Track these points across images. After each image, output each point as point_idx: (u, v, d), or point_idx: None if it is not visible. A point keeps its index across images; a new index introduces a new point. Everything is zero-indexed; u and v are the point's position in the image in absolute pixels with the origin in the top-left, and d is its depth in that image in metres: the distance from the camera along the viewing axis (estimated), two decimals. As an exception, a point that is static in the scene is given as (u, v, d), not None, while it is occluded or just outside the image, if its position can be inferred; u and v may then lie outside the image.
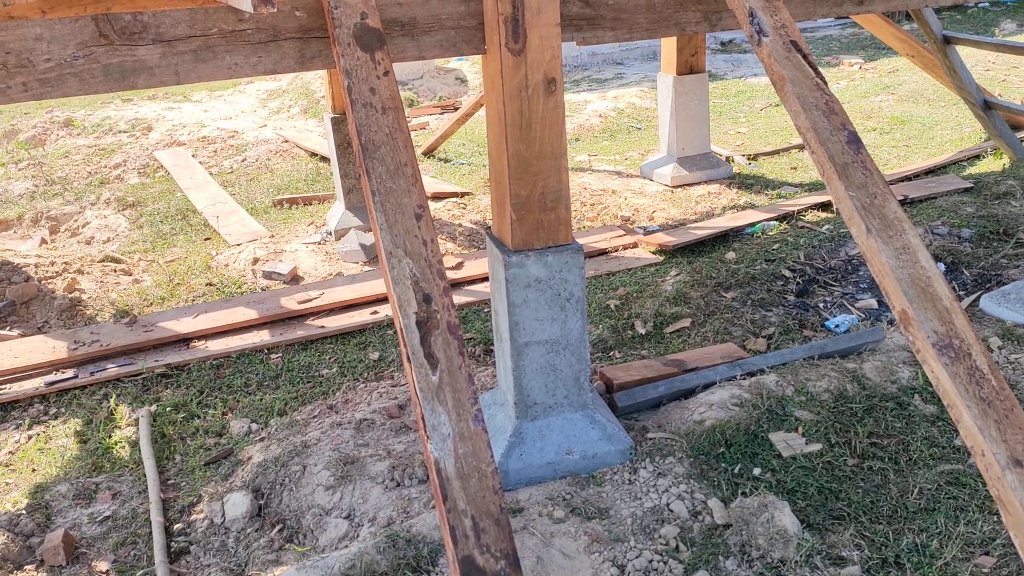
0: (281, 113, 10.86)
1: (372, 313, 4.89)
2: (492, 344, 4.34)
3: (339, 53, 2.49)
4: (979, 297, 4.19)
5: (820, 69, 8.54)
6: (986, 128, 6.13)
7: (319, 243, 5.98)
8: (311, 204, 7.09)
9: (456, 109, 10.22)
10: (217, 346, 4.59)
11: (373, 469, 3.23)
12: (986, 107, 5.95)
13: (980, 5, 13.85)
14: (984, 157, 6.37)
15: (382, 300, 5.01)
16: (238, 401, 4.09)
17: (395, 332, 4.66)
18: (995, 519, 2.75)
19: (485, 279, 5.15)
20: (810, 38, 12.70)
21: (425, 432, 2.05)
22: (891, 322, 4.09)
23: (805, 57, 2.52)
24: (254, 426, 3.84)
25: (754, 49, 2.61)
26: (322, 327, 4.77)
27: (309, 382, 4.23)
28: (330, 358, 4.47)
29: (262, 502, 3.24)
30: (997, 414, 1.85)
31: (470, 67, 11.80)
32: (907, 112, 8.07)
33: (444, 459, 2.02)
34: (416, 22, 2.81)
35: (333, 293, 5.06)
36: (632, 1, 3.01)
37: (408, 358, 2.13)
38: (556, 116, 2.89)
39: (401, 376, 4.19)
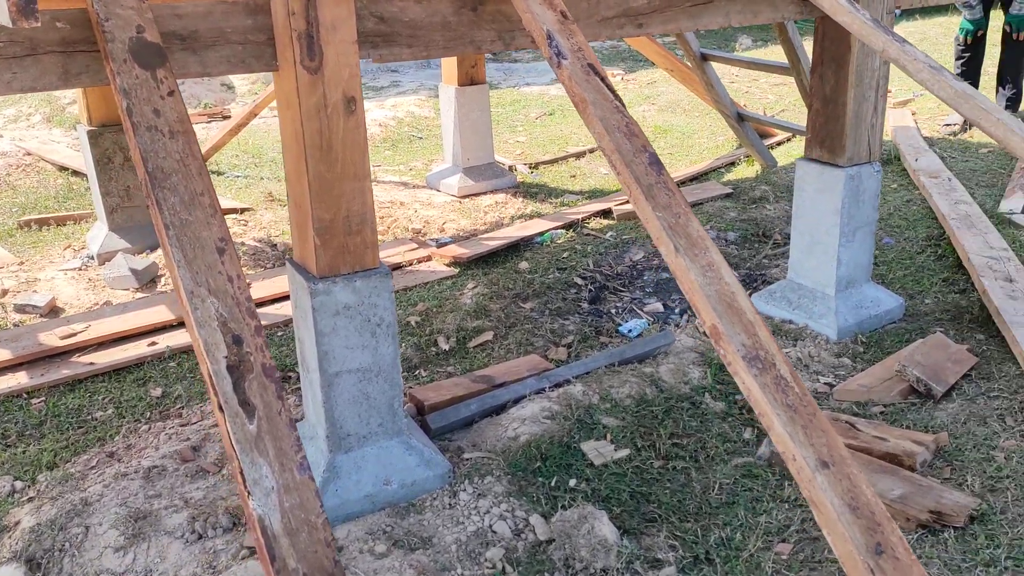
0: (20, 121, 9.74)
1: (150, 345, 4.49)
2: (290, 371, 4.12)
3: (114, 70, 2.24)
4: (750, 296, 4.54)
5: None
6: (740, 138, 6.70)
7: (80, 269, 5.42)
8: (65, 225, 6.41)
9: (225, 117, 9.68)
10: (-36, 395, 4.01)
11: (170, 522, 2.95)
12: (739, 119, 6.50)
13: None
14: (738, 164, 6.95)
15: (160, 330, 4.62)
16: (-4, 457, 3.59)
17: (178, 364, 4.31)
18: (787, 507, 2.98)
19: (275, 300, 4.89)
20: (574, 49, 13.28)
21: (245, 487, 1.88)
22: (677, 325, 4.34)
23: (603, 80, 2.59)
24: (19, 484, 3.38)
25: (554, 71, 2.64)
26: (91, 364, 4.31)
27: (81, 428, 3.80)
28: (104, 398, 4.04)
29: (40, 574, 2.85)
30: (803, 419, 1.99)
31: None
32: (668, 122, 8.66)
33: (269, 515, 1.86)
34: (198, 36, 2.59)
35: (102, 325, 4.59)
36: (428, 19, 2.96)
37: (220, 407, 1.95)
38: (358, 136, 2.78)
39: (191, 414, 3.87)
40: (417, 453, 3.06)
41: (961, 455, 3.16)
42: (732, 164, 6.99)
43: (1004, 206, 5.61)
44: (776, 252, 5.15)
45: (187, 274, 2.05)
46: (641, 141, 2.47)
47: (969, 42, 7.32)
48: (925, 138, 7.21)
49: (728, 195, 6.11)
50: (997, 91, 7.72)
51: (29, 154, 8.29)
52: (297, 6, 2.57)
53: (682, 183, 6.53)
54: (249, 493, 1.88)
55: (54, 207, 6.82)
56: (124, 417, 3.88)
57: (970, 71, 7.54)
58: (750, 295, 4.52)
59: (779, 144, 7.39)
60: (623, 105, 2.56)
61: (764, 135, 7.40)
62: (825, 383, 3.76)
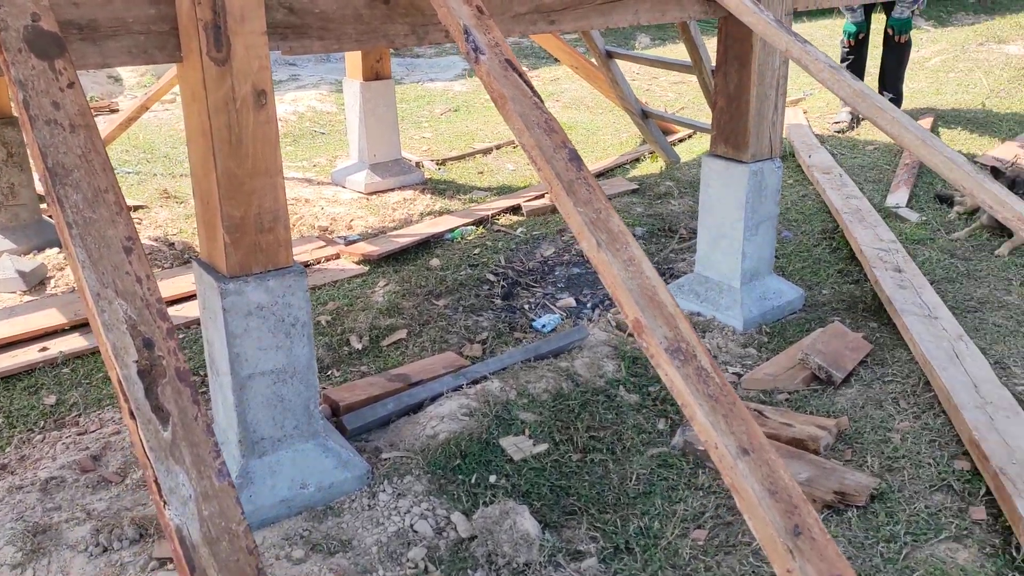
0: None
1: (41, 350, 4.25)
2: (194, 374, 3.97)
3: (8, 60, 2.10)
4: (659, 289, 4.64)
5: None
6: (644, 135, 6.83)
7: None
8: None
9: (113, 111, 9.27)
10: None
11: (72, 535, 2.80)
12: (644, 116, 6.63)
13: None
14: (643, 160, 7.09)
15: (52, 334, 4.38)
16: None
17: (72, 371, 4.10)
18: (701, 495, 3.06)
19: (177, 301, 4.71)
20: (477, 45, 13.28)
21: (161, 497, 1.80)
22: (590, 319, 4.40)
23: (521, 75, 2.59)
24: (-100, 504, 3.16)
25: (472, 66, 2.63)
26: (-23, 372, 4.05)
27: (-31, 440, 3.58)
28: (-7, 408, 3.81)
29: (-73, 599, 2.67)
30: (724, 408, 2.04)
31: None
32: (572, 118, 8.75)
33: (187, 525, 1.78)
34: (97, 25, 2.46)
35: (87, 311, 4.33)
36: (340, 11, 2.90)
37: (132, 414, 1.86)
38: (269, 131, 2.70)
39: (89, 422, 3.69)
40: (334, 455, 3.00)
41: (861, 437, 3.31)
42: (637, 160, 7.13)
43: (891, 200, 5.91)
44: (682, 247, 5.28)
45: (92, 275, 1.95)
46: (561, 137, 2.48)
47: (852, 44, 7.66)
48: (816, 135, 7.52)
49: (634, 191, 6.22)
50: (879, 93, 8.13)
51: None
52: (203, -5, 2.47)
53: (589, 179, 6.61)
54: (165, 503, 1.80)
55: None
56: (15, 427, 3.67)
57: (855, 72, 7.90)
58: (659, 289, 4.62)
59: (681, 141, 7.58)
60: (542, 101, 2.56)
61: (667, 132, 7.57)
62: (733, 373, 3.87)
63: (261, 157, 2.70)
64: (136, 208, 6.23)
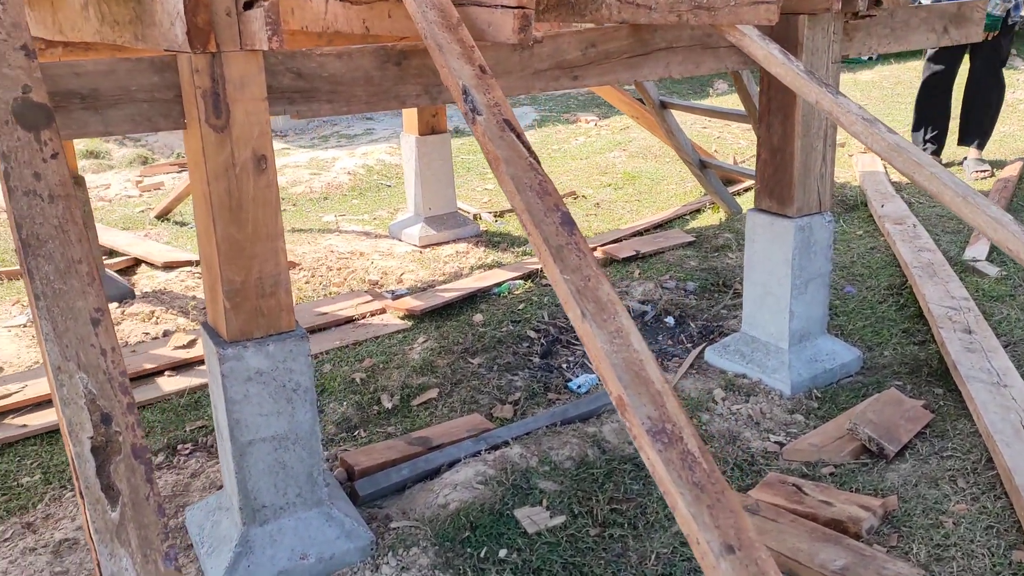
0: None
1: (88, 404, 4.34)
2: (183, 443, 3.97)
3: (-6, 132, 2.14)
4: (704, 349, 4.43)
5: (560, 126, 8.80)
6: (703, 185, 6.64)
7: (25, 326, 5.28)
8: (18, 279, 6.29)
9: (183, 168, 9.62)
10: None
11: (73, 602, 2.79)
12: (702, 166, 6.45)
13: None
14: (704, 211, 6.89)
15: (100, 388, 4.46)
16: (-92, 529, 3.42)
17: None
18: (725, 578, 2.83)
19: (220, 357, 4.74)
20: (551, 96, 13.34)
21: (103, 582, 1.74)
22: (628, 380, 4.22)
23: (519, 136, 2.50)
24: (-73, 559, 3.22)
25: (469, 127, 2.56)
26: (24, 425, 4.15)
27: (4, 495, 3.64)
28: (32, 463, 3.89)
29: (-73, 661, 2.68)
30: (710, 498, 1.86)
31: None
32: (638, 168, 8.62)
33: (127, 612, 1.72)
34: (99, 94, 2.50)
35: (39, 384, 4.45)
36: (349, 74, 2.88)
37: (81, 493, 1.82)
38: (269, 195, 2.68)
39: (118, 479, 3.71)
40: (338, 524, 2.91)
41: (909, 520, 3.02)
42: (697, 211, 6.93)
43: (969, 253, 5.54)
44: (735, 302, 5.05)
45: (55, 348, 1.93)
46: (554, 200, 2.37)
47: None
48: (894, 183, 7.17)
49: (690, 243, 6.03)
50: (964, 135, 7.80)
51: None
52: (201, 63, 2.49)
53: (645, 231, 6.46)
54: (107, 588, 1.74)
55: (10, 260, 6.70)
56: (50, 483, 3.72)
57: (941, 106, 7.68)
58: (704, 347, 4.41)
59: (746, 191, 7.34)
60: (538, 162, 2.46)
61: (731, 182, 7.35)
62: (775, 442, 3.63)
63: (262, 222, 2.68)
64: (198, 263, 6.38)
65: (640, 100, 6.52)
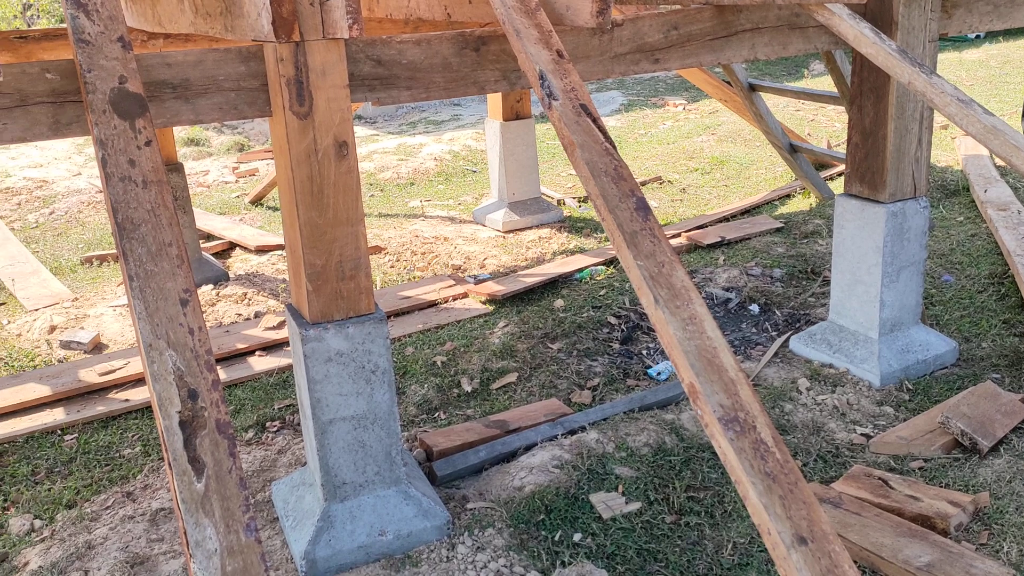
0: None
1: (184, 381, 4.54)
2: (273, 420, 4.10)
3: (93, 121, 2.25)
4: (789, 338, 4.33)
5: (648, 110, 8.72)
6: (793, 170, 6.46)
7: (127, 306, 5.54)
8: (124, 261, 6.60)
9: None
10: (1, 429, 4.12)
11: (166, 568, 2.93)
12: (792, 150, 6.27)
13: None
14: (794, 196, 6.71)
15: (196, 366, 4.66)
16: (21, 494, 3.66)
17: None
18: (804, 571, 2.77)
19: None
20: (638, 79, 13.18)
21: (188, 550, 1.83)
22: (709, 367, 4.16)
23: (595, 121, 2.49)
24: (37, 523, 3.43)
25: (546, 112, 2.56)
26: (126, 400, 4.38)
27: (107, 465, 3.85)
28: (133, 435, 4.10)
29: (36, 618, 2.87)
30: (782, 489, 1.82)
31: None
32: (726, 152, 8.44)
33: (210, 579, 1.80)
34: (190, 84, 2.60)
35: (139, 362, 4.67)
36: (428, 60, 2.92)
37: (170, 464, 1.91)
38: (350, 181, 2.75)
39: (211, 453, 3.88)
40: (415, 503, 2.97)
41: (1001, 518, 2.89)
42: (788, 196, 6.75)
43: (1079, 240, 5.23)
44: (823, 290, 4.91)
45: (147, 327, 2.03)
46: (629, 185, 2.35)
47: None
48: (999, 167, 6.83)
49: (778, 229, 5.88)
50: None
51: (101, 191, 8.64)
52: (286, 52, 2.56)
53: (732, 217, 6.33)
54: (192, 556, 1.82)
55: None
56: (149, 455, 3.92)
57: None
58: (790, 336, 4.31)
59: (840, 175, 7.10)
60: (614, 147, 2.45)
61: (824, 166, 7.13)
62: (862, 434, 3.52)
63: (343, 206, 2.74)
64: (282, 247, 6.57)
65: (728, 82, 6.38)
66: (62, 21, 14.31)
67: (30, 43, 4.99)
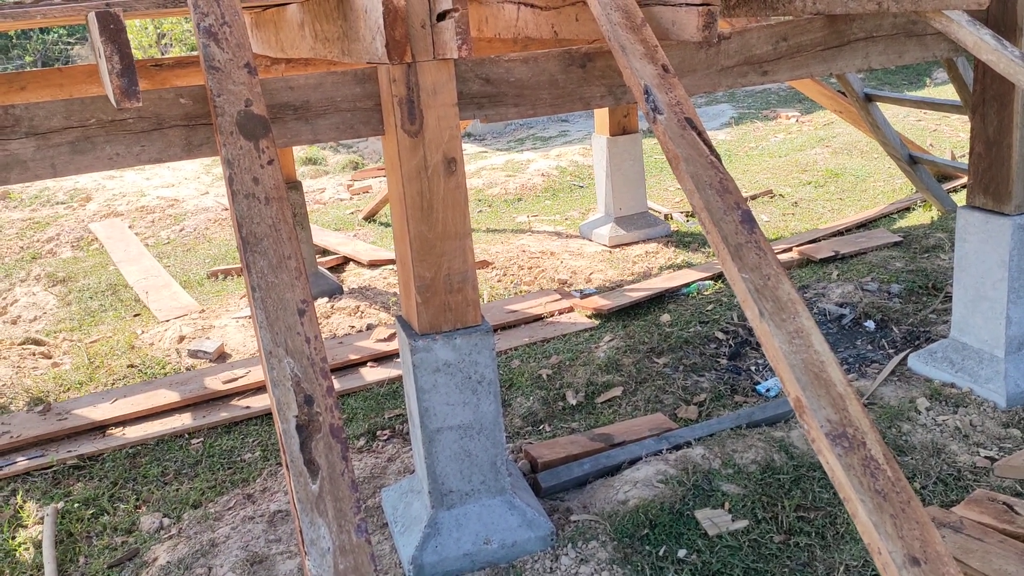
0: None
1: (301, 390, 4.74)
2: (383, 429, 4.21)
3: (221, 142, 2.41)
4: (907, 356, 4.16)
5: (759, 123, 8.57)
6: (913, 182, 6.22)
7: (250, 317, 5.84)
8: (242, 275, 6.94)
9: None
10: (135, 433, 4.41)
11: (283, 568, 3.07)
12: (912, 161, 6.04)
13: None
14: (914, 209, 6.45)
15: (311, 376, 4.86)
16: (152, 493, 3.90)
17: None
18: (921, 597, 2.66)
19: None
20: (749, 92, 12.95)
21: (303, 547, 1.92)
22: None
23: (700, 134, 2.49)
24: (166, 521, 3.65)
25: (651, 126, 2.57)
26: (247, 407, 4.61)
27: (229, 468, 4.06)
28: (253, 441, 4.30)
29: (164, 609, 3.06)
30: (893, 508, 1.77)
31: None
32: (841, 165, 8.19)
33: (323, 576, 1.89)
34: (310, 105, 2.75)
35: (259, 371, 4.91)
36: (535, 78, 2.98)
37: (287, 466, 2.01)
38: (458, 196, 2.83)
39: (325, 459, 4.03)
40: (520, 513, 3.01)
41: None
42: (907, 209, 6.49)
43: None
44: (945, 307, 4.70)
45: (268, 335, 2.15)
46: (735, 198, 2.34)
47: None
48: None
49: (897, 243, 5.67)
50: None
51: (226, 209, 9.12)
52: (398, 73, 2.67)
53: (847, 231, 6.14)
54: (306, 553, 1.92)
55: (238, 259, 7.42)
56: (268, 460, 4.11)
57: None
58: (908, 354, 4.15)
59: (963, 187, 6.78)
60: (719, 160, 2.44)
61: (946, 177, 6.83)
62: (986, 456, 3.35)
63: (451, 221, 2.83)
64: (394, 261, 6.77)
65: (842, 93, 6.21)
66: (192, 49, 15.22)
67: (164, 71, 5.35)
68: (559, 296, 5.59)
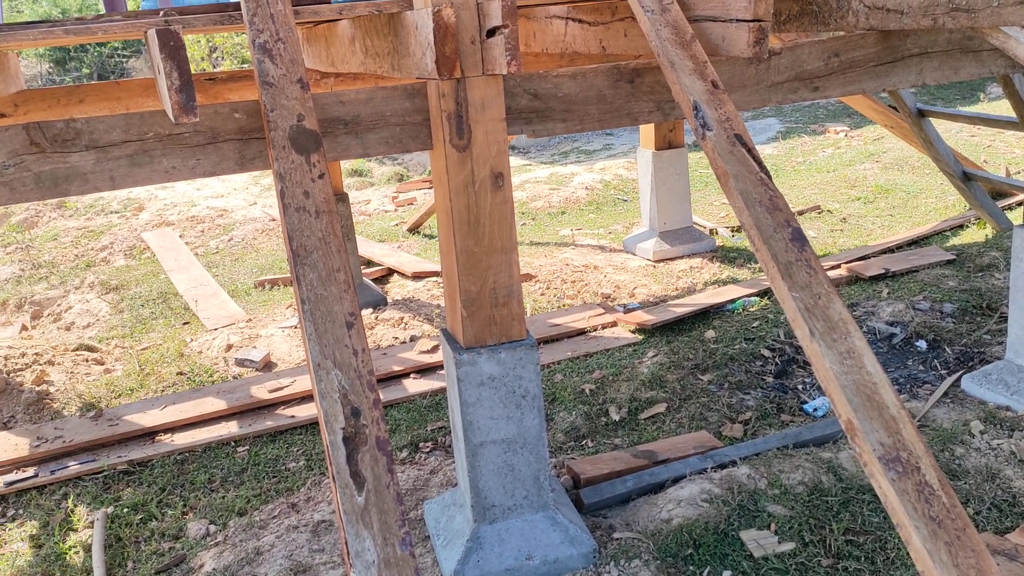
0: (273, 190, 10.92)
1: (345, 400, 4.78)
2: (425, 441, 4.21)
3: (273, 156, 2.45)
4: (961, 377, 4.07)
5: (807, 137, 8.50)
6: (967, 199, 6.09)
7: (295, 327, 5.91)
8: (290, 285, 7.04)
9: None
10: (183, 439, 4.48)
11: (326, 577, 3.09)
12: (965, 178, 5.92)
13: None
14: (968, 227, 6.31)
15: (355, 387, 4.90)
16: (199, 500, 3.95)
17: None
18: (975, 627, 2.59)
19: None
20: (798, 106, 12.81)
21: (348, 559, 1.94)
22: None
23: (749, 151, 2.47)
24: (212, 528, 3.70)
25: (699, 142, 2.56)
26: (292, 416, 4.66)
27: (275, 477, 4.10)
28: (298, 450, 4.35)
29: (209, 615, 3.09)
30: (948, 535, 1.73)
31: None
32: (891, 180, 8.05)
33: (368, 588, 1.89)
34: (360, 120, 2.78)
35: (305, 380, 4.96)
36: (583, 93, 2.98)
37: (333, 477, 2.03)
38: (505, 211, 2.84)
39: (368, 470, 4.06)
40: (562, 529, 3.00)
41: None
42: (960, 227, 6.36)
43: None
44: (1000, 327, 4.59)
45: (316, 347, 2.17)
46: (785, 215, 2.31)
47: None
48: None
49: (950, 261, 5.55)
50: None
51: (274, 220, 9.26)
52: (447, 88, 2.69)
53: (897, 248, 6.03)
54: (351, 565, 1.93)
55: (287, 269, 7.52)
56: (312, 469, 4.15)
57: None
58: (962, 375, 4.06)
59: (1020, 205, 6.63)
60: (769, 177, 2.42)
61: (1001, 195, 6.68)
62: (1043, 483, 3.26)
63: (497, 235, 2.84)
64: (438, 273, 6.81)
65: (894, 108, 6.11)
66: (243, 62, 15.52)
67: (217, 84, 5.46)
68: (602, 310, 5.57)
